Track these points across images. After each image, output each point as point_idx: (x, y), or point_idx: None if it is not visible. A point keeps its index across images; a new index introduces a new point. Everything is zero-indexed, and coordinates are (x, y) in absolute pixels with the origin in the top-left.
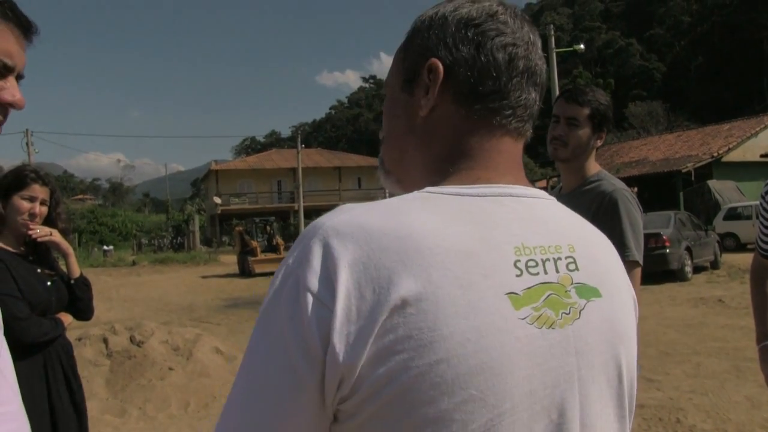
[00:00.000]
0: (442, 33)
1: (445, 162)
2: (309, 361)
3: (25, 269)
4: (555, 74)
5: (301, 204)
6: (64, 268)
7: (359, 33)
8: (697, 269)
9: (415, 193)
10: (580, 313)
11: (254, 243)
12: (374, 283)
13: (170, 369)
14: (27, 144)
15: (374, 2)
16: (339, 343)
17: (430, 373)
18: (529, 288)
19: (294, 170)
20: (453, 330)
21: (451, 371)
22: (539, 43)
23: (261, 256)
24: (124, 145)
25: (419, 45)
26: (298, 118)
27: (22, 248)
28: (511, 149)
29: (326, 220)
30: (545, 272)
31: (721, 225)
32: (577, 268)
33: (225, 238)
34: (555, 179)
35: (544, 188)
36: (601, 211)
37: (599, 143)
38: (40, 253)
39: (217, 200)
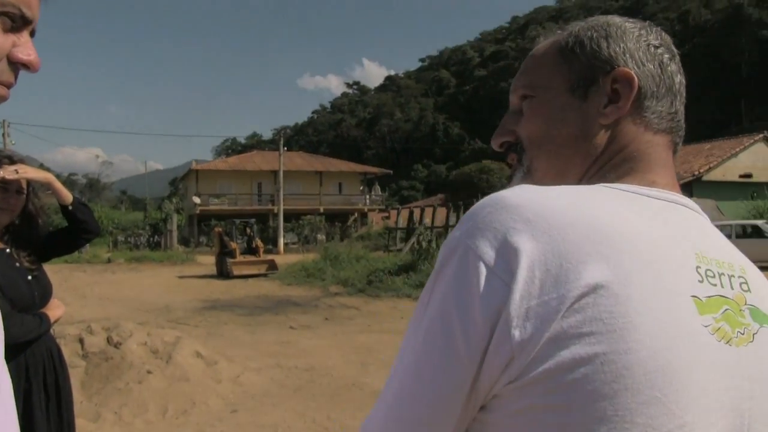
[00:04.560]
0: (624, 44)
1: (618, 167)
2: (469, 336)
3: (3, 263)
4: None
5: (281, 207)
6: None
7: (342, 38)
8: None
9: (591, 186)
10: (753, 336)
11: (233, 244)
12: (562, 258)
13: (148, 372)
14: (3, 135)
15: (356, 9)
16: (515, 319)
17: (616, 362)
18: (709, 297)
19: (275, 173)
20: (643, 320)
21: (639, 365)
22: None
23: (240, 258)
24: (102, 141)
25: (595, 51)
26: (279, 121)
27: (1, 241)
28: (673, 166)
29: (504, 193)
30: (722, 286)
31: None
32: (749, 290)
33: (203, 239)
34: None
35: None
36: None
37: None
38: (20, 244)
39: (197, 200)
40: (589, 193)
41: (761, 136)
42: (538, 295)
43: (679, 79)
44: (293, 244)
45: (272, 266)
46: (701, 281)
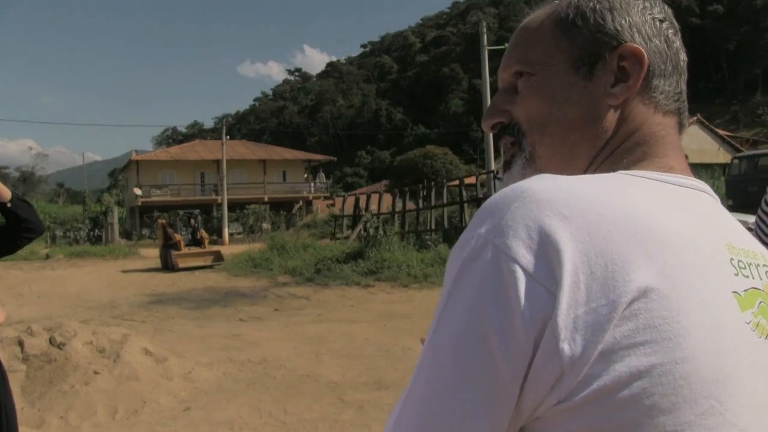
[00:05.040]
0: (629, 18)
1: (631, 152)
2: (511, 353)
3: None
4: (486, 71)
5: (225, 197)
6: None
7: (282, 25)
8: None
9: (612, 174)
10: None
11: (178, 236)
12: (606, 258)
13: (95, 373)
14: None
15: None
16: (564, 330)
17: (674, 373)
18: (746, 290)
19: (218, 162)
20: (695, 323)
21: (696, 374)
22: None
23: (185, 250)
24: (35, 132)
25: (600, 25)
26: (221, 109)
27: None
28: (682, 148)
29: (528, 184)
30: (752, 277)
31: None
32: None
33: (145, 231)
34: (483, 176)
35: (473, 184)
36: None
37: None
38: None
39: (138, 191)
40: (617, 183)
41: (695, 118)
42: (585, 302)
43: (683, 56)
44: (238, 234)
45: (218, 257)
46: (737, 274)
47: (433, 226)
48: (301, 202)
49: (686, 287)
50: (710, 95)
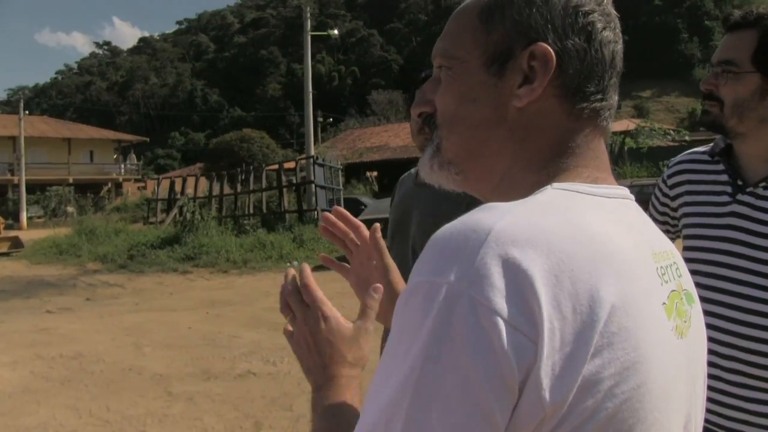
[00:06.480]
0: (548, 13)
1: (550, 161)
2: (504, 404)
3: None
4: (308, 57)
5: (23, 177)
6: None
7: None
8: None
9: (551, 190)
10: (691, 320)
11: None
12: (572, 299)
13: None
14: None
15: None
16: (545, 378)
17: (632, 399)
18: (668, 296)
19: (14, 139)
20: (648, 347)
21: (648, 395)
22: None
23: None
24: None
25: (515, 21)
26: (15, 80)
27: None
28: (605, 151)
29: (488, 222)
30: (670, 280)
31: None
32: (681, 275)
33: None
34: (303, 161)
35: (292, 169)
36: None
37: None
38: None
39: None
40: (565, 205)
41: None
42: (560, 347)
43: (612, 48)
44: (39, 218)
45: (17, 244)
46: (661, 284)
47: (252, 211)
48: (110, 185)
49: (638, 313)
50: None
